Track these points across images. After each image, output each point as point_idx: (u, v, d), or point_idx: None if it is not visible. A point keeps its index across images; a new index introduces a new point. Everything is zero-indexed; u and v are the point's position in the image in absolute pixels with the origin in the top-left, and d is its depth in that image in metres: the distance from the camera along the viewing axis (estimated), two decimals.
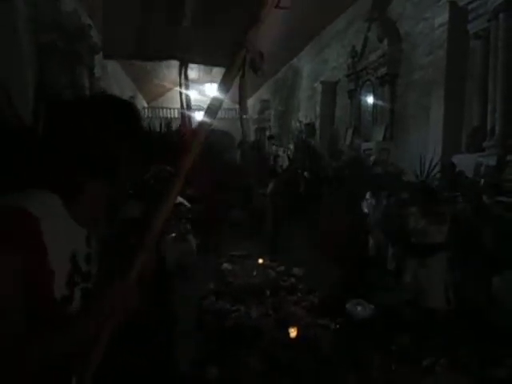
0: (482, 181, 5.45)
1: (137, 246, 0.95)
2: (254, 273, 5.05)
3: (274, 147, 15.12)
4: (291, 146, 13.19)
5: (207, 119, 1.08)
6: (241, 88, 1.14)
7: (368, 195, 6.10)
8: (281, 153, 13.68)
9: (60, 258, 0.81)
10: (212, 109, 1.09)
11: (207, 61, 1.34)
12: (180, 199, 3.75)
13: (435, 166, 6.46)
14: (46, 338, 0.77)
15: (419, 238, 3.77)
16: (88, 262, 0.90)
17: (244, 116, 1.33)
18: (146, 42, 1.26)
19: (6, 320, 0.73)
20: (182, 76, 1.32)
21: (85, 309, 0.86)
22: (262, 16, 1.10)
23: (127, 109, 0.94)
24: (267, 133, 18.45)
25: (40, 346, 0.75)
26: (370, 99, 10.07)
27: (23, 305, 0.75)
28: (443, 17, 7.38)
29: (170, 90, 21.63)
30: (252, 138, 18.12)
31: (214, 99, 1.11)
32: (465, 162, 6.38)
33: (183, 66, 1.32)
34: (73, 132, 0.84)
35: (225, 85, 1.10)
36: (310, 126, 12.98)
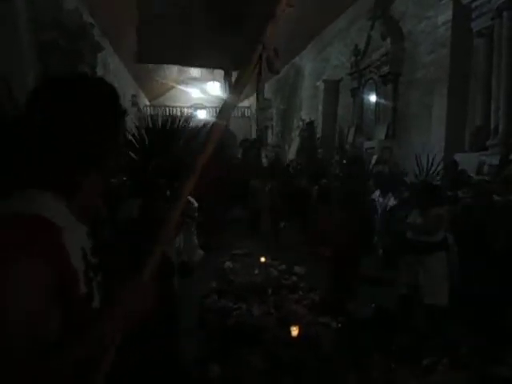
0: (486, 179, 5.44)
1: (152, 242, 0.94)
2: (256, 271, 5.05)
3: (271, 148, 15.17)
4: (292, 145, 13.19)
5: (221, 120, 1.08)
6: (258, 83, 1.15)
7: (377, 194, 6.10)
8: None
9: (76, 258, 0.81)
10: (225, 110, 1.10)
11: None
12: (188, 197, 3.75)
13: (433, 165, 6.44)
14: (68, 346, 0.77)
15: (417, 236, 3.79)
16: (94, 255, 0.91)
17: (261, 109, 1.34)
18: (189, 49, 1.27)
19: (40, 329, 0.73)
20: (227, 84, 1.32)
21: (104, 311, 0.86)
22: (277, 13, 1.11)
23: (111, 95, 0.91)
24: (269, 131, 18.45)
25: (63, 356, 0.75)
26: (373, 98, 10.06)
27: (57, 312, 0.76)
28: (446, 15, 7.36)
29: (171, 88, 21.64)
30: (254, 136, 18.13)
31: (227, 100, 1.11)
32: (468, 160, 6.37)
33: (227, 75, 1.33)
34: (62, 126, 0.81)
35: (241, 83, 1.09)
36: (312, 125, 12.97)
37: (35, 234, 0.73)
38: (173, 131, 5.63)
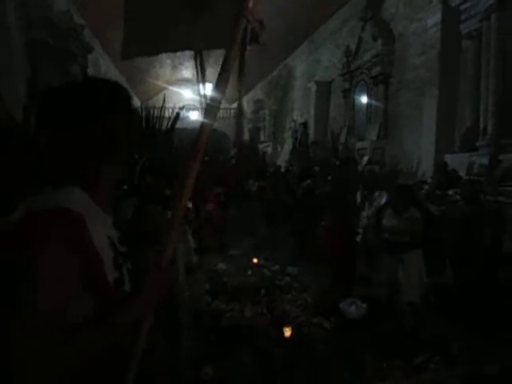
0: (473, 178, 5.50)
1: (166, 228, 1.02)
2: (249, 272, 5.06)
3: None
4: (285, 146, 13.21)
5: (208, 120, 1.08)
6: (241, 63, 1.13)
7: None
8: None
9: (103, 245, 0.87)
10: (211, 109, 1.09)
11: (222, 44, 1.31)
12: None
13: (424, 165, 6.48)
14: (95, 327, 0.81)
15: (392, 235, 3.84)
16: (122, 243, 0.97)
17: (242, 92, 1.32)
18: (163, 35, 1.26)
19: (63, 314, 0.76)
20: (198, 66, 1.31)
21: (130, 297, 0.91)
22: None
23: (119, 88, 0.97)
24: (261, 132, 18.47)
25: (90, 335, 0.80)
26: (364, 99, 10.12)
27: (89, 298, 0.82)
28: (436, 17, 7.44)
29: (163, 89, 21.55)
30: (247, 137, 18.13)
31: (212, 99, 1.10)
32: (458, 161, 6.44)
33: (198, 55, 1.32)
34: (78, 121, 0.87)
35: (228, 62, 1.08)
36: (305, 126, 13.00)
37: (59, 224, 0.78)
38: (162, 131, 5.59)
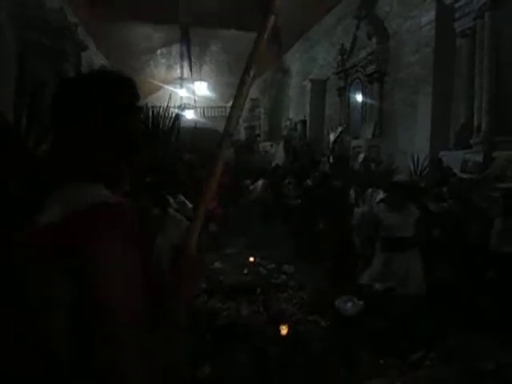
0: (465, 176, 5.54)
1: (192, 217, 0.97)
2: (245, 271, 5.05)
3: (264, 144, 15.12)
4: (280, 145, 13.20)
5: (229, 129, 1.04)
6: (279, 47, 1.04)
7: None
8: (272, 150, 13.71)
9: None
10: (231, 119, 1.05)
11: (212, 23, 1.24)
12: (182, 198, 3.74)
13: (425, 167, 6.52)
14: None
15: (387, 233, 3.87)
16: None
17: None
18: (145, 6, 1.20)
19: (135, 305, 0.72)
20: (184, 43, 1.25)
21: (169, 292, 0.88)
22: None
23: (132, 84, 0.94)
24: (257, 131, 18.44)
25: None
26: (359, 97, 10.14)
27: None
28: (430, 15, 7.47)
29: (159, 88, 21.48)
30: (242, 136, 18.10)
31: (232, 108, 1.05)
32: (452, 158, 6.48)
33: (184, 30, 1.26)
34: (98, 115, 0.81)
35: (255, 56, 1.00)
36: (303, 124, 13.00)
37: (123, 218, 0.76)
38: (164, 131, 5.57)
